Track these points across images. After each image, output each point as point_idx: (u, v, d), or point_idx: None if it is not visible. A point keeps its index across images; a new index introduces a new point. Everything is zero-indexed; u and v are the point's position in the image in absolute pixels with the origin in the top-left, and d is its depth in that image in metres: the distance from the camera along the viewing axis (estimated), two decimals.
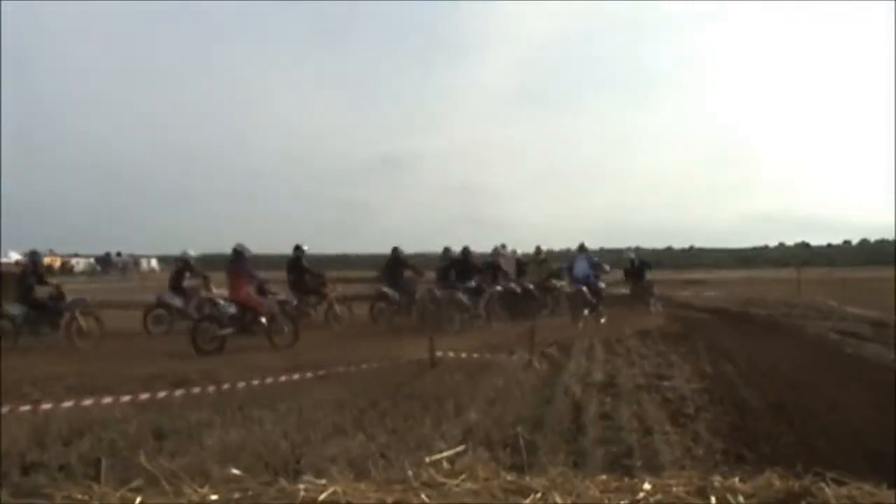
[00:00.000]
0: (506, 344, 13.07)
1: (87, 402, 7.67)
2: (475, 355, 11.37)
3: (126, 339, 14.71)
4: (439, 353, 10.91)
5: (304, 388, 8.91)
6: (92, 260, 73.93)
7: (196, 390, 8.50)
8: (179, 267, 17.38)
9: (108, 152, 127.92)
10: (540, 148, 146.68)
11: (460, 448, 3.70)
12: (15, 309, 13.92)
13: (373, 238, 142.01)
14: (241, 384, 8.84)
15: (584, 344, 13.57)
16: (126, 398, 7.93)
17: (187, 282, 16.97)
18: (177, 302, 16.54)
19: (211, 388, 8.60)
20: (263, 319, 13.85)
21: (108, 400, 7.79)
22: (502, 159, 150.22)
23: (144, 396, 8.10)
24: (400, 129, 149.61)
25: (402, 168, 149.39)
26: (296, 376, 9.34)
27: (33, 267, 14.72)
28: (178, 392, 8.40)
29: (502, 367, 10.55)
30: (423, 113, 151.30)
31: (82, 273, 64.35)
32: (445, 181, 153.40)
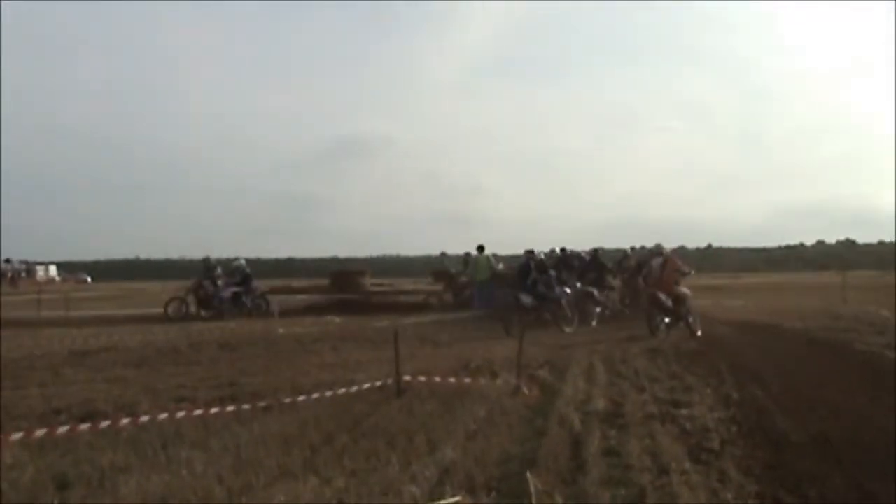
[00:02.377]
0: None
1: None
2: (451, 379, 11.39)
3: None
4: (407, 377, 10.93)
5: (245, 422, 8.90)
6: None
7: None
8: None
9: None
10: (526, 131, 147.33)
11: (457, 498, 3.70)
12: (526, 299, 20.74)
13: (324, 240, 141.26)
14: (162, 416, 8.83)
15: (582, 365, 13.63)
16: None
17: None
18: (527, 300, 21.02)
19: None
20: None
21: None
22: (482, 145, 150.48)
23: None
24: (358, 110, 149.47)
25: (360, 156, 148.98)
26: (230, 407, 9.33)
27: (538, 263, 21.64)
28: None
29: (483, 394, 10.57)
30: (387, 90, 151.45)
31: None
32: (413, 171, 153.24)
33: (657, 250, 20.84)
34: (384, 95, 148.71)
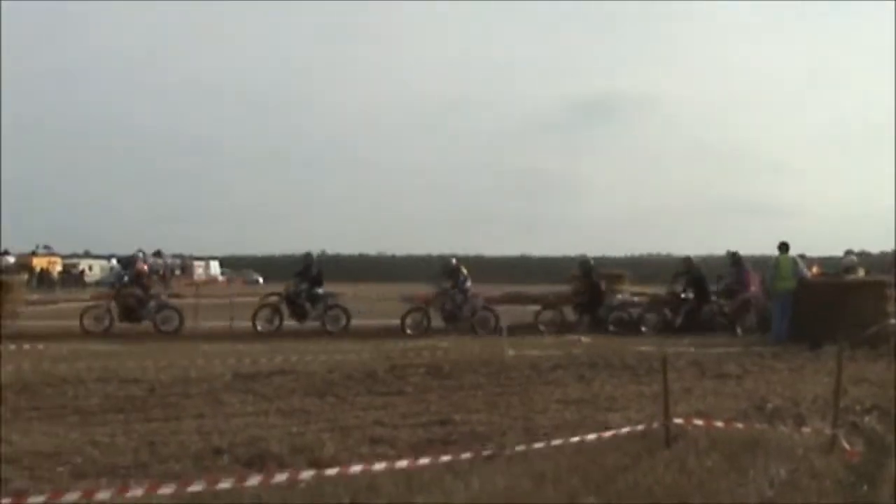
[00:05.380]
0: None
1: None
2: (739, 425, 11.29)
3: None
4: (679, 421, 10.92)
5: (461, 474, 9.08)
6: (112, 262, 76.79)
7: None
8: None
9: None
10: (856, 86, 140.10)
11: None
12: None
13: (567, 233, 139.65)
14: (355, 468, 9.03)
15: None
16: None
17: None
18: None
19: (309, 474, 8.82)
20: None
21: None
22: (787, 106, 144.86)
23: None
24: (609, 61, 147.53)
25: (612, 121, 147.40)
26: (446, 457, 9.51)
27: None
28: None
29: (784, 447, 10.44)
30: (651, 30, 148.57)
31: (98, 282, 66.79)
32: (685, 142, 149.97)
33: None
34: (647, 37, 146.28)
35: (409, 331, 28.32)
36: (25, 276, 48.84)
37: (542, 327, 28.75)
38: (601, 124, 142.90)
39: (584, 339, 25.28)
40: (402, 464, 9.14)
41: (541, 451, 9.89)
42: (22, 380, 15.66)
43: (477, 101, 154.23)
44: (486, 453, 9.78)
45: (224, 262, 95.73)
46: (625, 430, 10.81)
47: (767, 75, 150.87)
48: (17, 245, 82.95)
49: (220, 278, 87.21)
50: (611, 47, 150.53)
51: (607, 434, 10.59)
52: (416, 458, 9.38)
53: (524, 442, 10.23)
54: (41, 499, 7.56)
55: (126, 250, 79.36)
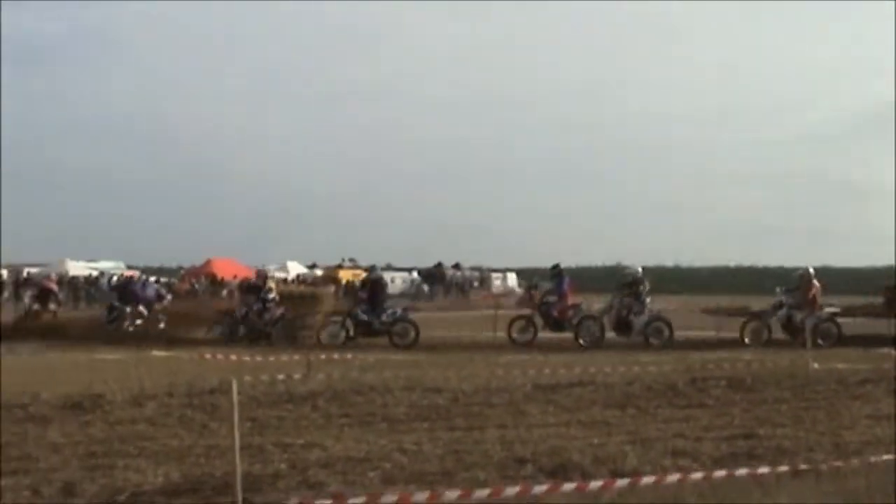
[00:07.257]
0: None
1: None
2: None
3: None
4: None
5: (768, 489, 8.82)
6: (413, 274, 78.68)
7: None
8: None
9: None
10: None
11: None
12: None
13: (875, 242, 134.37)
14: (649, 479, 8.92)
15: None
16: None
17: None
18: None
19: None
20: None
21: None
22: None
23: None
24: None
25: None
26: (763, 469, 9.24)
27: None
28: None
29: None
30: None
31: (401, 294, 68.35)
32: None
33: None
34: None
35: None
36: (332, 288, 50.49)
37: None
38: None
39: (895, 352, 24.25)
40: (712, 475, 9.03)
41: (853, 468, 9.62)
42: (332, 388, 16.12)
43: (747, 102, 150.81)
44: (797, 468, 9.49)
45: (521, 274, 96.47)
46: None
47: None
48: (324, 258, 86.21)
49: (517, 290, 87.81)
50: None
51: None
52: (722, 471, 9.25)
53: (833, 458, 9.85)
54: (360, 500, 8.13)
55: (425, 263, 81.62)
